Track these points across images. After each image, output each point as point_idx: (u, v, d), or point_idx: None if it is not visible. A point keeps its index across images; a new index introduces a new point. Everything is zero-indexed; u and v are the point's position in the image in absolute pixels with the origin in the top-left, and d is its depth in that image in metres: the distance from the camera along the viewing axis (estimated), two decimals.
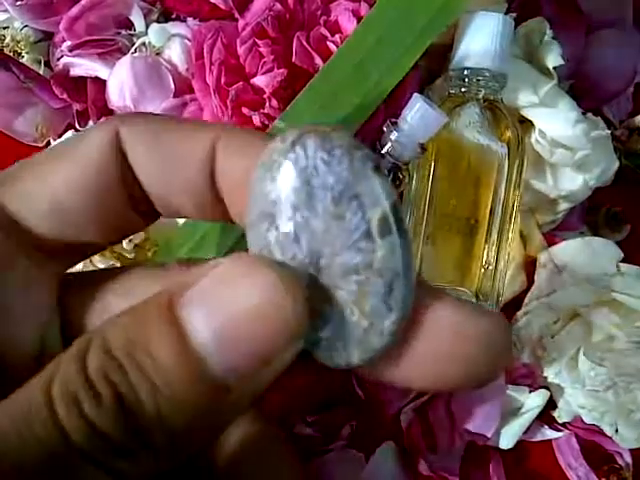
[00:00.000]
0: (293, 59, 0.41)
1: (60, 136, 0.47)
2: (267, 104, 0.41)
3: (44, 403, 0.16)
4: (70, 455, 0.16)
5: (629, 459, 0.45)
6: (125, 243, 0.39)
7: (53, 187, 0.21)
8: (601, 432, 0.44)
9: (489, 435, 0.42)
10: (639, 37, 0.53)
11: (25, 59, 0.47)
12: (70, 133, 0.46)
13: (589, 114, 0.45)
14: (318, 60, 0.42)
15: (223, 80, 0.42)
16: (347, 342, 0.17)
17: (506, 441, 0.43)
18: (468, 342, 0.17)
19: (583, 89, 0.49)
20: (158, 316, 0.16)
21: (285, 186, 0.17)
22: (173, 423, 0.16)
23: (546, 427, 0.46)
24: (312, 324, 0.17)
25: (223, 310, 0.16)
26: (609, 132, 0.44)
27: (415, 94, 0.39)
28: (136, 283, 0.23)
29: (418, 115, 0.38)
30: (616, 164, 0.45)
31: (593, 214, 0.50)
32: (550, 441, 0.46)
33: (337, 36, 0.42)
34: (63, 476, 0.16)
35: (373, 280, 0.17)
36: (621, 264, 0.44)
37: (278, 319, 0.16)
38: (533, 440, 0.46)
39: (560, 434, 0.45)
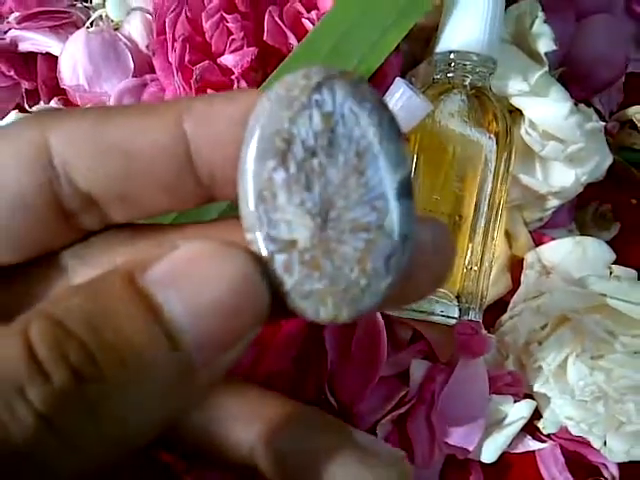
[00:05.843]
0: (264, 37, 0.38)
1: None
2: (235, 86, 0.38)
3: None
4: (16, 460, 0.14)
5: (616, 472, 0.42)
6: None
7: None
8: (587, 443, 0.42)
9: (471, 449, 0.39)
10: (630, 24, 0.50)
11: None
12: (14, 114, 0.42)
13: (581, 105, 0.42)
14: (292, 39, 0.38)
15: (187, 58, 0.39)
16: (339, 298, 0.17)
17: (488, 455, 0.40)
18: None
19: (573, 78, 0.46)
20: (121, 288, 0.15)
21: (305, 127, 0.17)
22: (140, 405, 0.15)
23: (529, 438, 0.43)
24: (307, 275, 0.17)
25: (197, 288, 0.15)
26: (603, 124, 0.41)
27: (398, 79, 0.36)
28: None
29: (401, 102, 0.36)
30: (610, 159, 0.42)
31: (580, 211, 0.48)
32: (533, 452, 0.43)
33: (313, 13, 0.38)
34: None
35: (381, 240, 0.17)
36: (614, 266, 0.41)
37: (249, 303, 0.16)
38: (515, 451, 0.43)
39: (544, 445, 0.43)
